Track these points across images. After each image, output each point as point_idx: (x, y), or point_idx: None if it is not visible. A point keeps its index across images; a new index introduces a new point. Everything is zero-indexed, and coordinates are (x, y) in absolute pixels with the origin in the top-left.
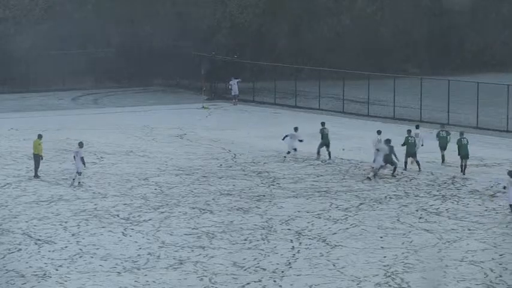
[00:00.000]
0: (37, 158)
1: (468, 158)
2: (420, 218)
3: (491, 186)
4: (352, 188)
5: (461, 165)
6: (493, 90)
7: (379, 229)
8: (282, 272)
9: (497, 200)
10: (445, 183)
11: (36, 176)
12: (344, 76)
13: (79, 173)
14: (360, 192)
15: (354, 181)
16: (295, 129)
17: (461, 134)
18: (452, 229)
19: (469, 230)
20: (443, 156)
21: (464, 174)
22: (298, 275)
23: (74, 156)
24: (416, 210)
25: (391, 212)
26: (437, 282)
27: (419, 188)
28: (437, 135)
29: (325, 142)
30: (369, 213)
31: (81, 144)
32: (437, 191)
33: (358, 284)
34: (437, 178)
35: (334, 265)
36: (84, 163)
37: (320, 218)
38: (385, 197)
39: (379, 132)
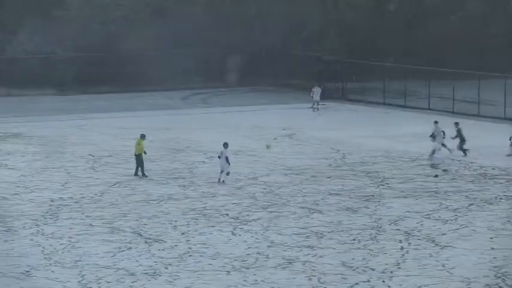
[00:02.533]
0: (139, 157)
1: None
2: None
3: None
4: (461, 189)
5: None
6: None
7: (489, 230)
8: (391, 272)
9: None
10: None
11: (143, 175)
12: (454, 76)
13: (227, 173)
14: (469, 192)
15: (464, 182)
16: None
17: None
18: None
19: None
20: None
21: None
22: (407, 276)
23: (219, 156)
24: None
25: (502, 212)
26: None
27: None
28: None
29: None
30: (479, 213)
31: (226, 145)
32: None
33: (467, 285)
34: None
35: (443, 266)
36: (229, 162)
37: (429, 218)
38: (495, 197)
39: None
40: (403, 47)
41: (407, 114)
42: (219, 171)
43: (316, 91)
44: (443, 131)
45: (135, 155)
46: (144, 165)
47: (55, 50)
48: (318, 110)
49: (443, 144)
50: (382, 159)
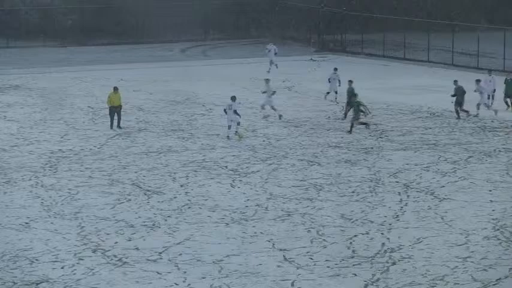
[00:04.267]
0: (116, 109)
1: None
2: None
3: None
4: (460, 141)
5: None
6: None
7: (488, 182)
8: (390, 224)
9: None
10: None
11: (118, 127)
12: (454, 28)
13: (237, 123)
14: (468, 145)
15: (463, 134)
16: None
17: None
18: None
19: None
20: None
21: None
22: (405, 228)
23: (225, 110)
24: None
25: (500, 165)
26: None
27: None
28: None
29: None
30: (478, 166)
31: (233, 98)
32: None
33: (466, 237)
34: None
35: (442, 218)
36: (238, 115)
37: (428, 171)
38: (494, 150)
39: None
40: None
41: (406, 66)
42: (227, 126)
43: (271, 49)
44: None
45: (113, 106)
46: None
47: (54, 1)
48: (269, 72)
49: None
50: (382, 112)
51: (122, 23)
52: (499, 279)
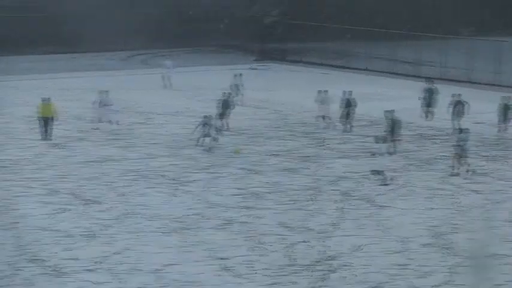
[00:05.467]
0: (48, 121)
1: None
2: (468, 178)
3: None
4: (400, 149)
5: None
6: None
7: (427, 190)
8: (329, 232)
9: None
10: (493, 144)
11: (48, 139)
12: (393, 37)
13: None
14: (407, 153)
15: (402, 142)
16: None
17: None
18: (500, 190)
19: None
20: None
21: None
22: (345, 236)
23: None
24: (467, 171)
25: (439, 172)
26: (484, 243)
27: (468, 149)
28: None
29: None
30: (417, 174)
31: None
32: (486, 151)
33: (404, 244)
34: (486, 139)
35: (381, 226)
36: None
37: (368, 178)
38: (433, 157)
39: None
40: (343, 7)
41: (346, 75)
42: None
43: (168, 65)
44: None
45: (44, 117)
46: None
47: None
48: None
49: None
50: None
51: (62, 32)
52: (437, 285)
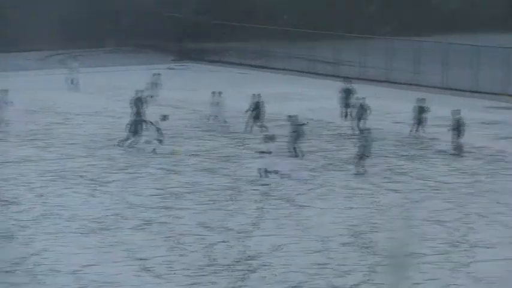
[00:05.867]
0: None
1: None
2: (387, 178)
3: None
4: (319, 149)
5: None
6: (462, 51)
7: (346, 189)
8: (249, 232)
9: (464, 160)
10: (411, 143)
11: None
12: (313, 36)
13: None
14: (327, 152)
15: (321, 141)
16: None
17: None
18: (419, 189)
19: (435, 190)
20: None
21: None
22: (264, 236)
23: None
24: (384, 171)
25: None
26: (403, 242)
27: (386, 148)
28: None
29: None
30: (336, 173)
31: (165, 118)
32: (404, 151)
33: (324, 244)
34: (404, 138)
35: (300, 225)
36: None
37: (287, 178)
38: (352, 157)
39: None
40: (264, 7)
41: (265, 74)
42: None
43: (73, 67)
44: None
45: None
46: None
47: None
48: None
49: None
50: (241, 120)
51: None
52: (356, 285)
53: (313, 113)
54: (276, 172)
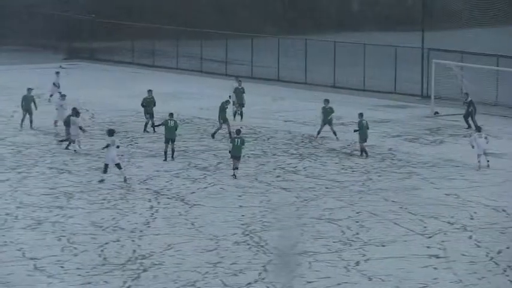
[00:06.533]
0: None
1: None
2: (278, 176)
3: (348, 145)
4: (210, 147)
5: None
6: (349, 49)
7: (238, 188)
8: (141, 231)
9: (354, 158)
10: (302, 142)
11: None
12: (203, 35)
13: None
14: (218, 151)
15: (213, 140)
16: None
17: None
18: (310, 187)
19: (326, 188)
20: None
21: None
22: (156, 234)
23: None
24: (274, 169)
25: (249, 170)
26: (295, 240)
27: (277, 147)
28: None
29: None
30: (228, 172)
31: (76, 114)
32: (295, 149)
33: (216, 242)
34: (295, 137)
35: (192, 224)
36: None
37: (179, 177)
38: (243, 155)
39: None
40: (152, 6)
41: (155, 73)
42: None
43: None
44: None
45: None
46: None
47: None
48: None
49: None
50: (132, 119)
51: None
52: (249, 283)
53: (204, 112)
54: (119, 167)
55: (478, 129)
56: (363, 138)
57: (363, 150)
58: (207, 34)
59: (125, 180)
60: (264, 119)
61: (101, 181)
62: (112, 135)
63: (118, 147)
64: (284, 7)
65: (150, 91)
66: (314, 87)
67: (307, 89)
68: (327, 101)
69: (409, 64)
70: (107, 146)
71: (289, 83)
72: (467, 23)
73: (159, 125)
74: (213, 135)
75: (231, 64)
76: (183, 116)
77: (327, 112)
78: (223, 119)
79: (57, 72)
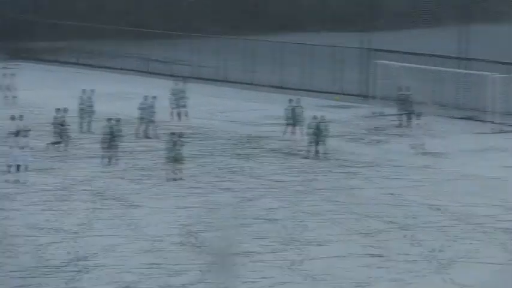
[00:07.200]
0: None
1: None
2: (220, 176)
3: (290, 145)
4: (153, 148)
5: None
6: (294, 50)
7: (179, 188)
8: (82, 233)
9: (295, 158)
10: (245, 142)
11: None
12: (146, 35)
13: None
14: (160, 151)
15: (155, 141)
16: None
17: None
18: (251, 187)
19: (268, 188)
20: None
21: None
22: (98, 236)
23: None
24: (217, 169)
25: (192, 170)
26: (235, 240)
27: (220, 147)
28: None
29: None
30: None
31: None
32: (238, 150)
33: (157, 243)
34: (238, 137)
35: (134, 225)
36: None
37: (121, 178)
38: (186, 156)
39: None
40: (95, 6)
41: (99, 74)
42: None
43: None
44: None
45: None
46: None
47: None
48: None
49: None
50: (75, 120)
51: None
52: (190, 284)
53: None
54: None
55: (408, 124)
56: (316, 140)
57: (311, 152)
58: (152, 34)
59: (17, 182)
60: (208, 119)
61: (16, 181)
62: (18, 136)
63: (23, 148)
64: (229, 7)
65: (87, 90)
66: (259, 87)
67: (252, 90)
68: (292, 100)
69: (353, 65)
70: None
71: (234, 83)
72: (411, 24)
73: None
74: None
75: (175, 64)
76: (124, 116)
77: (294, 111)
78: None
79: (12, 75)
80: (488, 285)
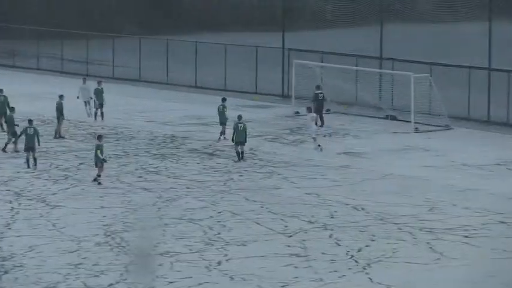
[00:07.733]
0: None
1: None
2: (139, 177)
3: (210, 145)
4: (71, 148)
5: None
6: (211, 50)
7: (99, 189)
8: (1, 233)
9: (217, 158)
10: (163, 142)
11: None
12: (63, 36)
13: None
14: (79, 152)
15: (74, 141)
16: None
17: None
18: (171, 188)
19: (188, 188)
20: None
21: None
22: (17, 236)
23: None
24: (136, 170)
25: (111, 171)
26: (156, 241)
27: (139, 147)
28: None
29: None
30: (89, 172)
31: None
32: (157, 150)
33: (78, 244)
34: (156, 137)
35: (54, 225)
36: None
37: (40, 178)
38: (107, 156)
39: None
40: (12, 6)
41: (16, 74)
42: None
43: None
44: None
45: None
46: None
47: None
48: None
49: None
50: None
51: None
52: (111, 284)
53: (68, 113)
54: None
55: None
56: (239, 141)
57: (238, 153)
58: (68, 34)
59: None
60: (126, 119)
61: None
62: None
63: None
64: (146, 7)
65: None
66: (176, 87)
67: (169, 89)
68: (224, 99)
69: (271, 64)
70: None
71: (151, 83)
72: (328, 23)
73: (19, 135)
74: None
75: (92, 64)
76: (44, 116)
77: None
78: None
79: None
80: (408, 285)
